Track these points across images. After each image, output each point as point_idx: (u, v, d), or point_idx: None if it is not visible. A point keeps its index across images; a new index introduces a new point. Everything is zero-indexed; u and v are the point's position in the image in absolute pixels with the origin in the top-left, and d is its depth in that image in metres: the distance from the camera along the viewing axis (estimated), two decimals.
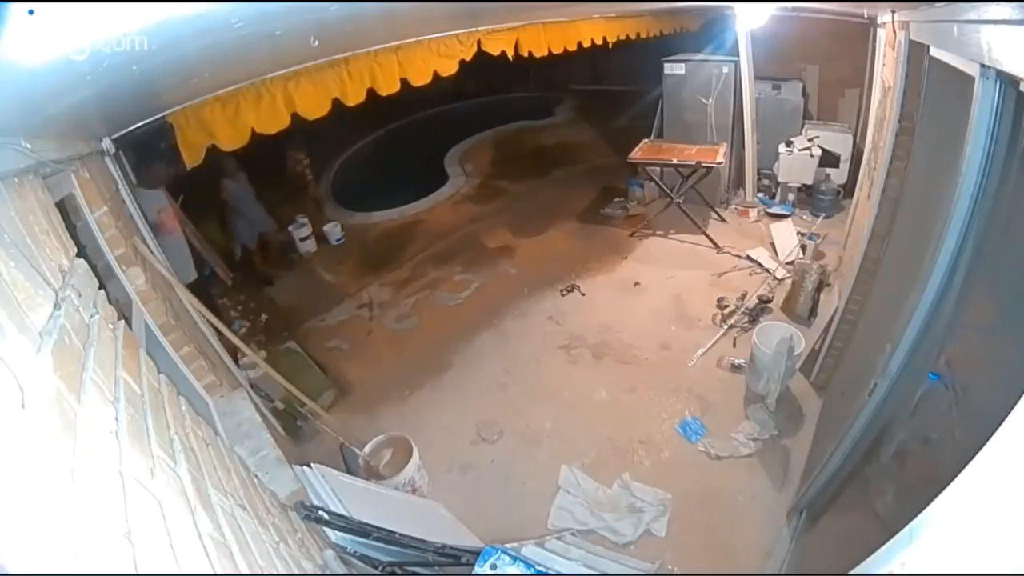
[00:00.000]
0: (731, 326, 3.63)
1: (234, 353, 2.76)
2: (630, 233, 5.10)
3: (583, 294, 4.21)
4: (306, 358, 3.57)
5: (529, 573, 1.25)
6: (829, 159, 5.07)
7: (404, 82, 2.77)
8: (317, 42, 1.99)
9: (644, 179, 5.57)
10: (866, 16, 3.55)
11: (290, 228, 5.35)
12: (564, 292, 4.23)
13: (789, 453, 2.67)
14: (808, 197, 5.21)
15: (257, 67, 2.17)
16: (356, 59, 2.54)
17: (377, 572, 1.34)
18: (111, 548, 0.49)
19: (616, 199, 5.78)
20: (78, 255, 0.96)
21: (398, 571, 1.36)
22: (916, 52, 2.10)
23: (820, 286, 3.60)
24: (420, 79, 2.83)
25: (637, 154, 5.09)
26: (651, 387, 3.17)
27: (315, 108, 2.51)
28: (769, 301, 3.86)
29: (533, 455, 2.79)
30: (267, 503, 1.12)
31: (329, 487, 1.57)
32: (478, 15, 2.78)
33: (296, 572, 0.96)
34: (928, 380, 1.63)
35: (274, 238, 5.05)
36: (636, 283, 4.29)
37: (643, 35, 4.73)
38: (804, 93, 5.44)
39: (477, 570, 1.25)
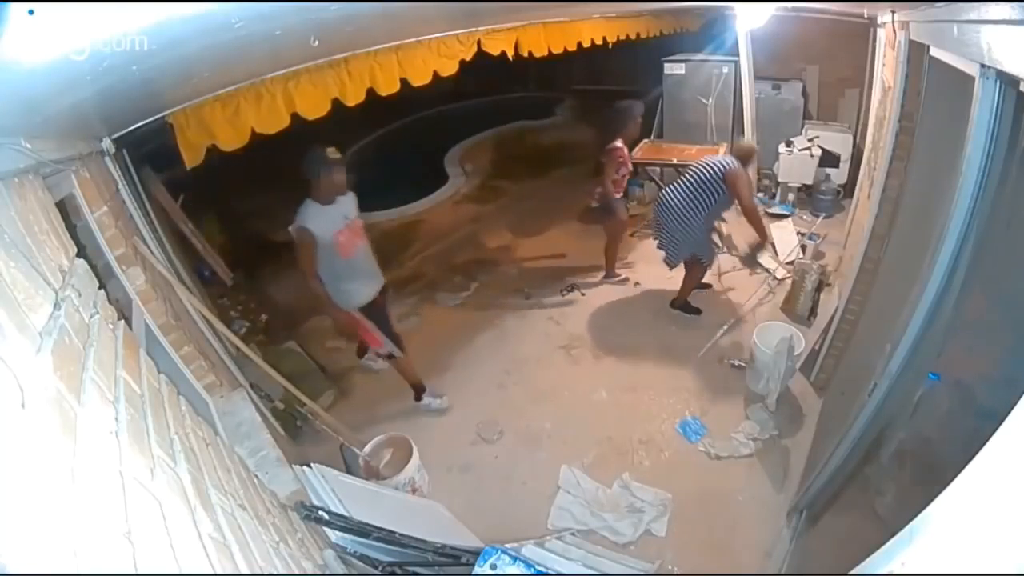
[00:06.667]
0: (731, 326, 3.63)
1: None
2: (630, 233, 5.09)
3: (583, 294, 4.21)
4: (306, 358, 3.56)
5: (529, 573, 1.25)
6: (829, 159, 5.08)
7: (404, 82, 2.77)
8: (317, 42, 1.99)
9: (644, 179, 5.56)
10: (866, 16, 3.55)
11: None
12: (564, 292, 4.23)
13: (789, 453, 2.66)
14: (808, 197, 5.22)
15: (257, 67, 2.16)
16: (356, 59, 2.54)
17: (377, 572, 1.34)
18: (111, 548, 0.49)
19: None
20: (78, 255, 0.96)
21: (398, 571, 1.36)
22: (916, 52, 2.11)
23: (820, 286, 3.60)
24: (420, 79, 2.83)
25: (637, 154, 5.09)
26: (651, 387, 3.17)
27: (315, 108, 2.51)
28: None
29: (533, 455, 2.79)
30: (267, 503, 1.12)
31: (329, 487, 1.57)
32: (478, 15, 2.78)
33: (296, 572, 0.96)
34: (928, 380, 1.63)
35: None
36: (636, 283, 4.29)
37: (643, 35, 4.72)
38: (804, 93, 5.45)
39: (477, 570, 1.25)
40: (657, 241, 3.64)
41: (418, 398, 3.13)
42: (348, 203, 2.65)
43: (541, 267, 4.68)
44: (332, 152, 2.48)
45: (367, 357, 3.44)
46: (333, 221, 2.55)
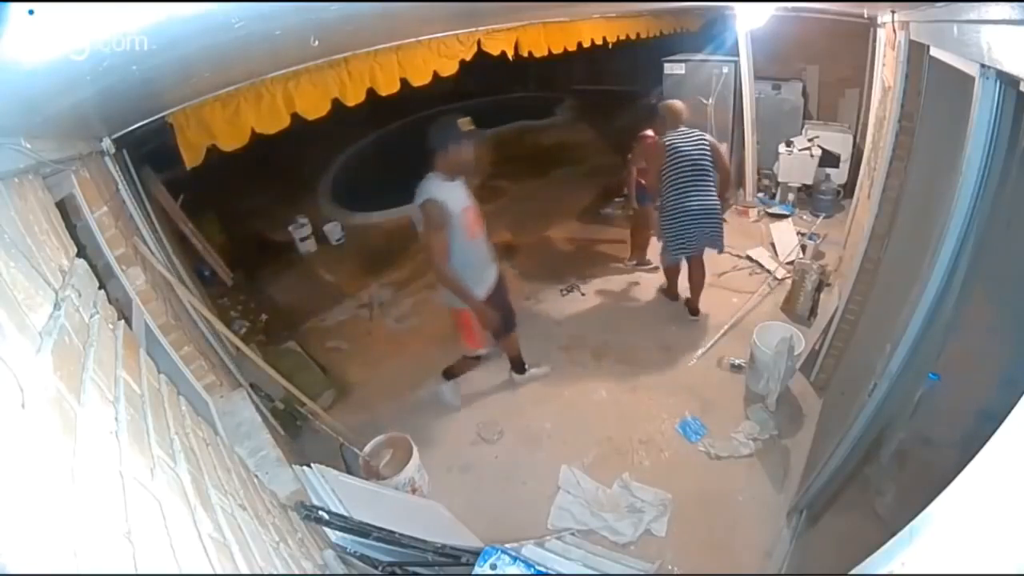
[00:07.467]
0: (731, 326, 3.63)
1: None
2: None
3: (583, 294, 4.21)
4: (306, 358, 3.56)
5: (529, 573, 1.25)
6: (829, 159, 5.07)
7: (404, 82, 2.77)
8: (317, 42, 1.99)
9: None
10: (866, 16, 3.55)
11: (290, 228, 5.36)
12: (564, 292, 4.23)
13: (789, 453, 2.66)
14: (808, 197, 5.21)
15: (257, 67, 2.17)
16: (356, 59, 2.54)
17: (377, 572, 1.34)
18: (111, 548, 0.49)
19: (616, 199, 5.78)
20: (78, 255, 0.96)
21: (398, 571, 1.36)
22: (916, 52, 2.11)
23: (820, 286, 3.59)
24: (420, 79, 2.83)
25: None
26: (651, 387, 3.17)
27: (315, 108, 2.51)
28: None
29: (533, 455, 2.79)
30: (267, 503, 1.12)
31: (329, 487, 1.57)
32: (478, 15, 2.78)
33: (296, 572, 0.96)
34: (928, 380, 1.63)
35: None
36: (636, 283, 4.29)
37: (643, 35, 4.73)
38: (804, 93, 5.44)
39: (477, 570, 1.25)
40: (687, 245, 3.52)
41: (452, 374, 3.02)
42: (461, 184, 2.38)
43: (541, 267, 4.67)
44: (465, 123, 2.21)
45: (445, 384, 3.10)
46: (459, 197, 2.25)
